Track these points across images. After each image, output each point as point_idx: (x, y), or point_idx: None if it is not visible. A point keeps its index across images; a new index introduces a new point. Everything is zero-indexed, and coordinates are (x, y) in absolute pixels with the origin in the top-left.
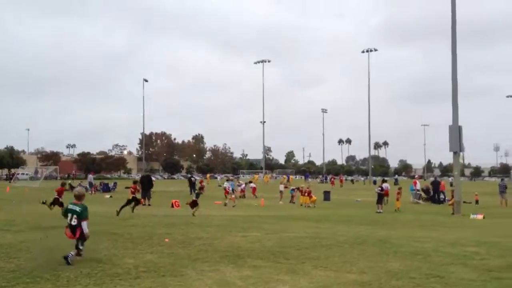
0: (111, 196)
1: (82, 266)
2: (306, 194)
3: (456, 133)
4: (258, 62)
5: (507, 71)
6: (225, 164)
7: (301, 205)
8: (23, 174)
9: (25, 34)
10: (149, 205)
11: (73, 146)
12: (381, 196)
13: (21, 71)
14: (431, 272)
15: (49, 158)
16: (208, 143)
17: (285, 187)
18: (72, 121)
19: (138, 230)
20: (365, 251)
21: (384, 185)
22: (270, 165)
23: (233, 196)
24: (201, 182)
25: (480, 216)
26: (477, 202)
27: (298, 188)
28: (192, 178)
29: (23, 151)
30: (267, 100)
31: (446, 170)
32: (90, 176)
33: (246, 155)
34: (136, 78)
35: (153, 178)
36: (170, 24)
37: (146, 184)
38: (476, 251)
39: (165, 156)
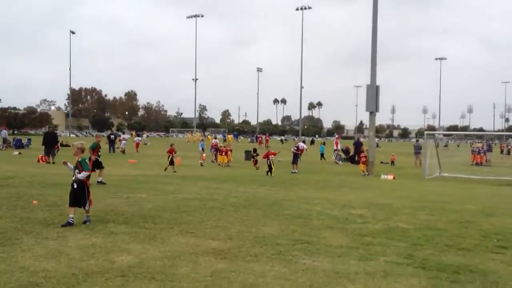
0: (19, 153)
1: None
2: (224, 153)
3: (373, 93)
4: (191, 16)
5: (439, 34)
6: (158, 122)
7: (219, 164)
8: None
9: None
10: (53, 163)
11: None
12: (296, 156)
13: None
14: (301, 238)
15: None
16: (142, 101)
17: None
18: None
19: (9, 190)
20: (247, 215)
21: (300, 144)
22: (205, 124)
23: (204, 154)
24: (120, 139)
25: (390, 177)
26: (392, 162)
27: (217, 147)
28: (111, 136)
29: None
30: (205, 57)
31: (376, 131)
32: (4, 132)
33: (181, 113)
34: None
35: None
36: None
37: (50, 141)
38: (362, 213)
39: (95, 112)
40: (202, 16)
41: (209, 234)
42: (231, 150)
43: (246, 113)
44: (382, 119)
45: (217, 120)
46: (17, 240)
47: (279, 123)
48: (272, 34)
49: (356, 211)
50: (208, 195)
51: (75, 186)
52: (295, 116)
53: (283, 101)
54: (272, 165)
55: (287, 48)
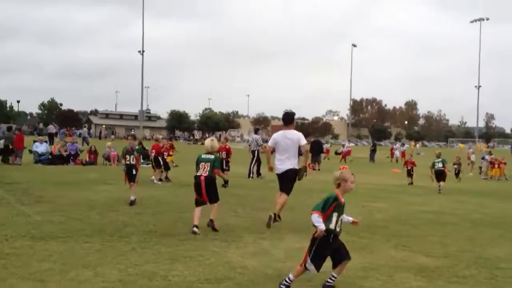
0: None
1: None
2: (497, 165)
3: None
4: (475, 20)
5: None
6: (439, 131)
7: (491, 177)
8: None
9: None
10: (318, 169)
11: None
12: None
13: (242, 44)
14: None
15: (260, 122)
16: (422, 110)
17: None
18: (293, 89)
19: (260, 193)
20: (481, 233)
21: None
22: (491, 134)
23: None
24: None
25: None
26: None
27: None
28: (372, 147)
29: (247, 116)
30: (493, 63)
31: None
32: None
33: (465, 122)
34: (362, 43)
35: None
36: None
37: (316, 149)
38: None
39: (374, 122)
40: (487, 20)
41: (424, 249)
42: (504, 163)
43: None
44: None
45: (507, 130)
46: (239, 238)
47: None
48: None
49: None
50: (451, 209)
51: None
52: None
53: None
54: None
55: None
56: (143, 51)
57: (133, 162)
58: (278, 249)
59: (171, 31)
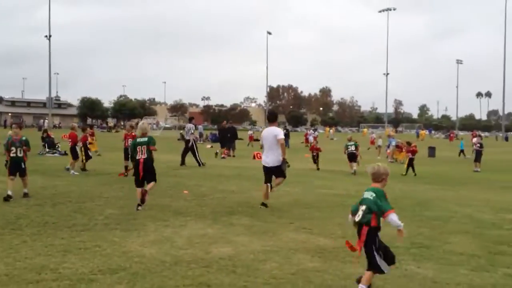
0: (211, 147)
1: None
2: (404, 150)
3: None
4: (383, 10)
5: None
6: (351, 117)
7: (396, 160)
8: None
9: None
10: (233, 156)
11: (208, 98)
12: (479, 154)
13: (158, 30)
14: (422, 241)
15: (178, 109)
16: (336, 97)
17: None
18: (211, 76)
19: (171, 180)
20: None
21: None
22: (399, 119)
23: (388, 151)
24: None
25: None
26: None
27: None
28: (284, 132)
29: (164, 103)
30: (401, 51)
31: None
32: (200, 127)
33: (376, 108)
34: (279, 31)
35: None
36: None
37: (231, 135)
38: None
39: (291, 109)
40: (394, 9)
41: (325, 231)
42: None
43: (446, 108)
44: None
45: (415, 115)
46: (143, 226)
47: (484, 118)
48: (474, 24)
49: None
50: (356, 192)
51: None
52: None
53: (488, 95)
54: None
55: (494, 38)
56: (49, 36)
57: (20, 155)
58: (180, 236)
59: (83, 17)
